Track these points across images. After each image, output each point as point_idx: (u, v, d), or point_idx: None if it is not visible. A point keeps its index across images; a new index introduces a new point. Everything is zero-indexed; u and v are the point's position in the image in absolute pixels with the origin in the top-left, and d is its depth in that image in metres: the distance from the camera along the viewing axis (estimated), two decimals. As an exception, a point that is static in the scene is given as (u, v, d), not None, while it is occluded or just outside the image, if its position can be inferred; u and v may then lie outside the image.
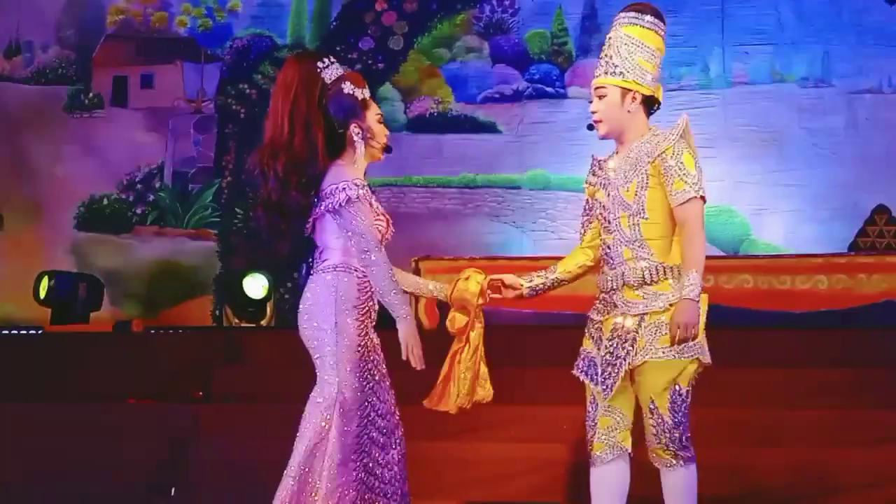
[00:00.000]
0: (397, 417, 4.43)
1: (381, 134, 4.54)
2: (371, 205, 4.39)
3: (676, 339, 4.32)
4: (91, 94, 10.80)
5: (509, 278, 4.71)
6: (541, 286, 4.72)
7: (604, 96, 4.55)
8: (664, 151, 4.46)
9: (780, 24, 9.82)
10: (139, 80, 10.86)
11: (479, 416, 5.98)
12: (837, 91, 9.66)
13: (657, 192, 4.47)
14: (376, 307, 4.45)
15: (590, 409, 4.57)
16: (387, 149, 4.53)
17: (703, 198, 4.48)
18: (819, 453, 6.09)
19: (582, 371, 4.59)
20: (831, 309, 8.14)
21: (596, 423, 4.55)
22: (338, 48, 10.38)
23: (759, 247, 9.47)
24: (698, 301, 4.34)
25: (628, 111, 4.53)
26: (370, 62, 10.34)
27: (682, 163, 4.45)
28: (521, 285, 4.71)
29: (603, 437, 4.53)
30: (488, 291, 4.64)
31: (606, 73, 4.55)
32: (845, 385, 6.61)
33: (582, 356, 4.61)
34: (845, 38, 9.69)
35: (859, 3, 9.68)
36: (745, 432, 6.29)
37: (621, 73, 4.53)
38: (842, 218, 9.35)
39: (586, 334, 4.62)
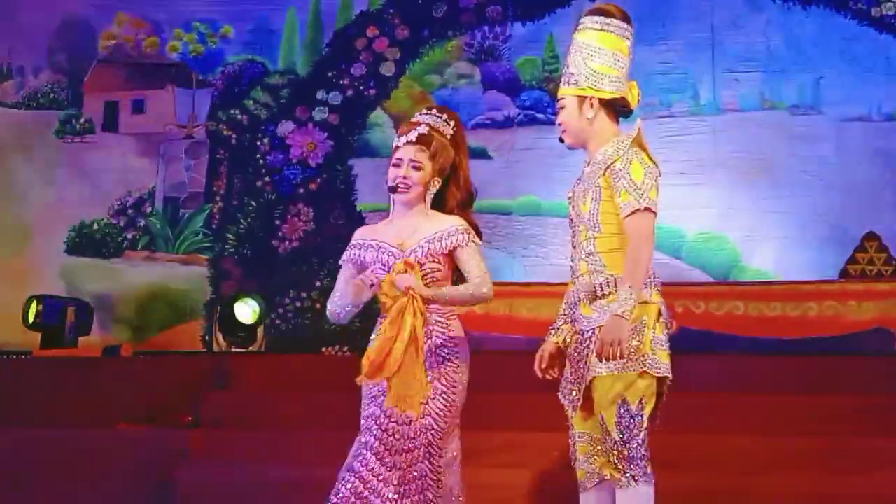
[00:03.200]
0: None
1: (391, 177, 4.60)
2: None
3: (601, 356, 4.21)
4: (82, 119, 10.79)
5: (549, 349, 4.60)
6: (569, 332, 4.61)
7: (563, 108, 4.53)
8: (614, 162, 4.38)
9: (770, 51, 9.84)
10: (130, 105, 10.86)
11: (471, 442, 5.97)
12: (827, 118, 9.66)
13: (610, 204, 4.38)
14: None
15: (571, 435, 4.54)
16: (390, 189, 4.58)
17: (649, 209, 4.32)
18: (809, 481, 6.08)
19: (561, 394, 4.57)
20: (822, 335, 8.14)
21: (576, 450, 4.52)
22: (329, 74, 10.40)
23: (750, 273, 9.46)
24: (627, 317, 4.20)
25: (587, 118, 4.47)
26: (362, 88, 10.35)
27: (629, 173, 4.33)
28: (557, 343, 4.60)
29: (583, 464, 4.50)
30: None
31: (564, 84, 4.53)
32: (836, 412, 6.61)
33: (563, 379, 4.58)
34: (835, 65, 9.71)
35: (849, 31, 9.70)
36: (735, 460, 6.28)
37: (575, 81, 4.48)
38: (832, 245, 9.35)
39: (567, 355, 4.59)
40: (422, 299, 4.36)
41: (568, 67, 4.52)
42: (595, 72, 4.47)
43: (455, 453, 4.58)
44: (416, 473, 4.43)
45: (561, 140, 4.62)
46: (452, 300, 4.49)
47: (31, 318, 9.22)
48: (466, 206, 4.69)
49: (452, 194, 4.65)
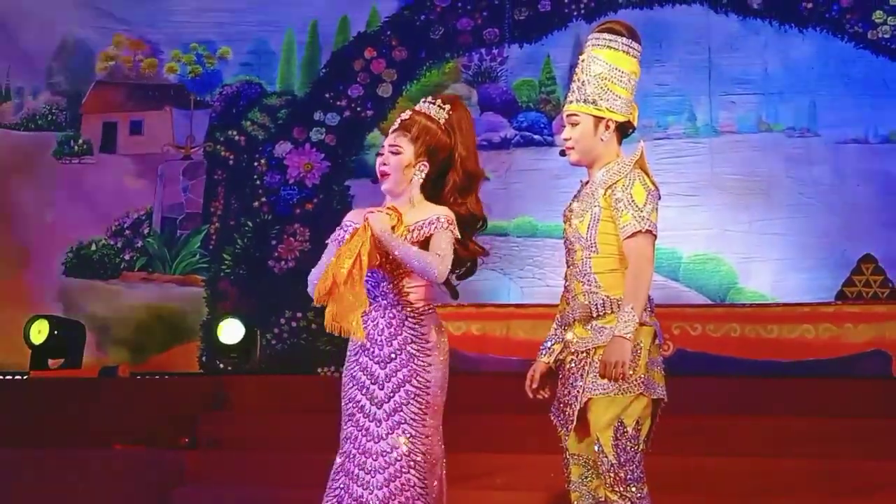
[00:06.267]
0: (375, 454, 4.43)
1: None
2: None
3: (604, 377, 4.21)
4: (80, 140, 10.81)
5: (540, 369, 4.58)
6: (560, 353, 4.59)
7: (576, 124, 4.46)
8: (616, 183, 4.36)
9: (766, 73, 9.87)
10: (128, 126, 10.87)
11: (468, 464, 5.97)
12: (824, 141, 9.68)
13: (609, 224, 4.37)
14: (351, 357, 4.53)
15: (564, 457, 4.52)
16: (374, 180, 4.56)
17: (650, 231, 4.32)
18: None
19: (554, 414, 4.55)
20: (818, 358, 8.14)
21: (569, 472, 4.50)
22: (327, 95, 10.43)
23: (746, 295, 9.46)
24: (629, 338, 4.19)
25: (601, 139, 4.44)
26: (359, 109, 10.37)
27: (630, 195, 4.33)
28: (549, 363, 4.58)
29: (577, 486, 4.47)
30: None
31: (579, 100, 4.46)
32: (833, 435, 6.61)
33: (556, 400, 4.56)
34: (832, 88, 9.73)
35: (846, 54, 9.73)
36: (732, 482, 6.27)
37: (594, 100, 4.43)
38: (828, 267, 9.36)
39: (559, 376, 4.58)
40: (375, 236, 4.32)
41: (584, 84, 4.46)
42: (615, 95, 4.45)
43: (437, 458, 4.46)
44: (402, 483, 4.38)
45: (562, 154, 4.58)
46: (395, 250, 4.34)
47: (33, 339, 9.17)
48: (465, 191, 4.57)
49: (449, 179, 4.56)
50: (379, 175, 4.54)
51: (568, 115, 4.51)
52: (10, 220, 10.63)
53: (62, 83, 10.95)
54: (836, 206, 9.52)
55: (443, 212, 4.47)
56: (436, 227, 4.41)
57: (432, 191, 4.58)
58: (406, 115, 4.61)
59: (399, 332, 4.44)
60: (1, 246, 10.61)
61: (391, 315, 4.45)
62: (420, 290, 4.47)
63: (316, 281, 4.46)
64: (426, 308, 4.50)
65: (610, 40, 4.51)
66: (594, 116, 4.45)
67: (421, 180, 4.53)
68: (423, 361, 4.44)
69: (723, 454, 6.54)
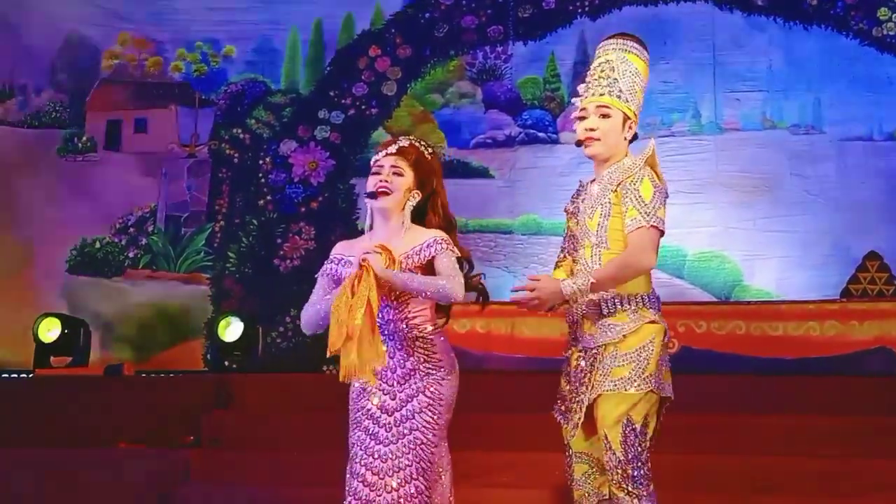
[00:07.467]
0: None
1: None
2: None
3: (519, 302, 4.42)
4: (85, 138, 10.81)
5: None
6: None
7: (608, 116, 4.49)
8: (626, 179, 4.39)
9: (771, 71, 9.87)
10: (133, 124, 10.88)
11: (471, 462, 5.97)
12: (828, 138, 9.69)
13: (619, 221, 4.39)
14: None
15: (567, 455, 4.52)
16: (369, 195, 4.54)
17: (655, 227, 4.34)
18: (813, 502, 6.06)
19: (557, 412, 4.55)
20: (824, 355, 8.13)
21: (572, 470, 4.50)
22: (331, 93, 10.43)
23: (751, 293, 9.47)
24: (567, 295, 4.28)
25: (625, 137, 4.51)
26: (363, 107, 10.38)
27: (638, 190, 4.36)
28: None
29: (581, 484, 4.47)
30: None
31: (612, 94, 4.51)
32: (838, 433, 6.60)
33: (559, 397, 4.56)
34: (836, 85, 9.73)
35: (850, 51, 9.73)
36: (737, 480, 6.26)
37: (627, 100, 4.51)
38: (833, 264, 9.36)
39: (562, 373, 4.57)
40: (379, 277, 4.29)
41: (616, 81, 4.52)
42: (638, 100, 4.56)
43: (443, 469, 4.49)
44: (412, 491, 4.39)
45: (578, 144, 4.58)
46: (408, 286, 4.36)
47: (42, 337, 9.15)
48: (448, 232, 4.59)
49: (430, 220, 4.58)
50: (377, 192, 4.51)
51: (599, 106, 4.51)
52: (14, 218, 10.64)
53: (66, 81, 10.96)
54: (840, 204, 9.52)
55: (438, 234, 4.49)
56: (436, 250, 4.44)
57: None
58: (404, 142, 4.61)
59: (411, 354, 4.45)
60: (5, 243, 10.61)
61: (401, 338, 4.46)
62: (424, 313, 4.49)
63: (309, 318, 4.51)
64: (434, 329, 4.52)
65: (637, 49, 4.63)
66: (624, 114, 4.51)
67: (412, 207, 4.54)
68: (437, 376, 4.46)
69: (727, 451, 6.54)
